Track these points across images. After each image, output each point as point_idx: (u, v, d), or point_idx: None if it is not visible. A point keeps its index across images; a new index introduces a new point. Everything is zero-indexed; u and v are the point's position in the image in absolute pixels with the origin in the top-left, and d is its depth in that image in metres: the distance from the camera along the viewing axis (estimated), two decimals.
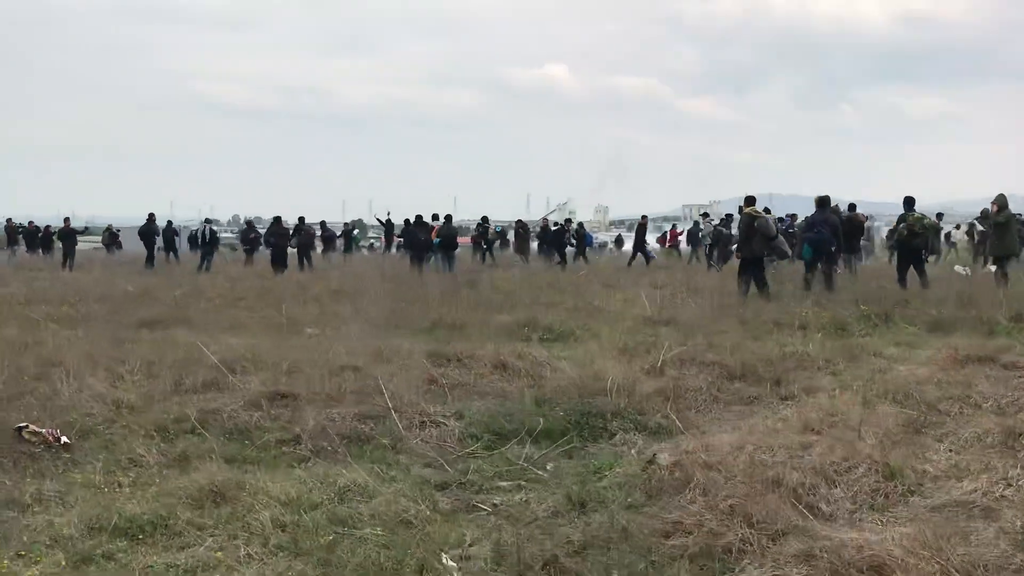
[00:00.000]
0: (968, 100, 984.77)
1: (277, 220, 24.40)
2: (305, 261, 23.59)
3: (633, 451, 5.58)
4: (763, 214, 13.99)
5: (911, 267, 14.59)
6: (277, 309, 13.52)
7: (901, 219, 15.22)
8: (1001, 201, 14.88)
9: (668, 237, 33.79)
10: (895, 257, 16.17)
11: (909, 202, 15.35)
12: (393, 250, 32.06)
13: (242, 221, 61.46)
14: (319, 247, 30.17)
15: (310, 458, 5.53)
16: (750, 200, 14.36)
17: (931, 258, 17.17)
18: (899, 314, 10.69)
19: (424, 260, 23.12)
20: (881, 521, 4.19)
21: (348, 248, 32.30)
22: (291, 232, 24.27)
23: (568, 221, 32.72)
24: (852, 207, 18.73)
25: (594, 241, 38.74)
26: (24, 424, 5.72)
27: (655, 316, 11.45)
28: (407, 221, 25.74)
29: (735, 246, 24.44)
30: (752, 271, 13.91)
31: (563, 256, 25.73)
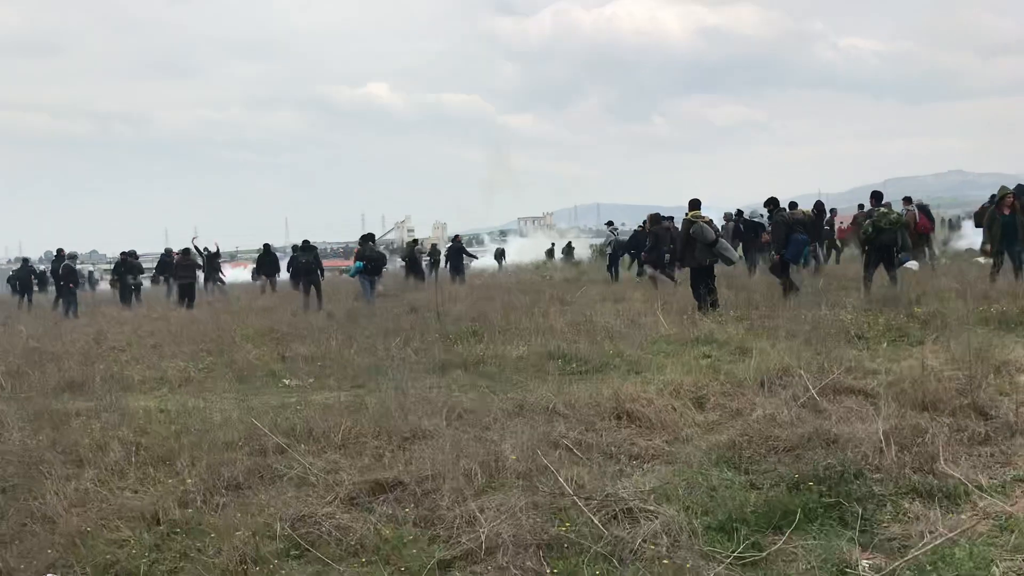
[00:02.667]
0: (767, 107, 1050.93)
1: (186, 252, 22.29)
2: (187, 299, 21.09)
3: (931, 534, 4.10)
4: (699, 220, 12.76)
5: (880, 266, 13.85)
6: (216, 354, 11.32)
7: (867, 215, 14.59)
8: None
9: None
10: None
11: (877, 196, 14.75)
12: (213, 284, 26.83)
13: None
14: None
15: None
16: (693, 203, 13.08)
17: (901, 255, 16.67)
18: (952, 314, 9.74)
19: (313, 285, 21.04)
20: None
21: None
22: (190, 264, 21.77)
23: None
24: (793, 204, 18.05)
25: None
26: None
27: (683, 334, 10.09)
28: (295, 247, 23.54)
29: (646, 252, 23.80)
30: (703, 280, 12.72)
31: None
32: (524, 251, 46.09)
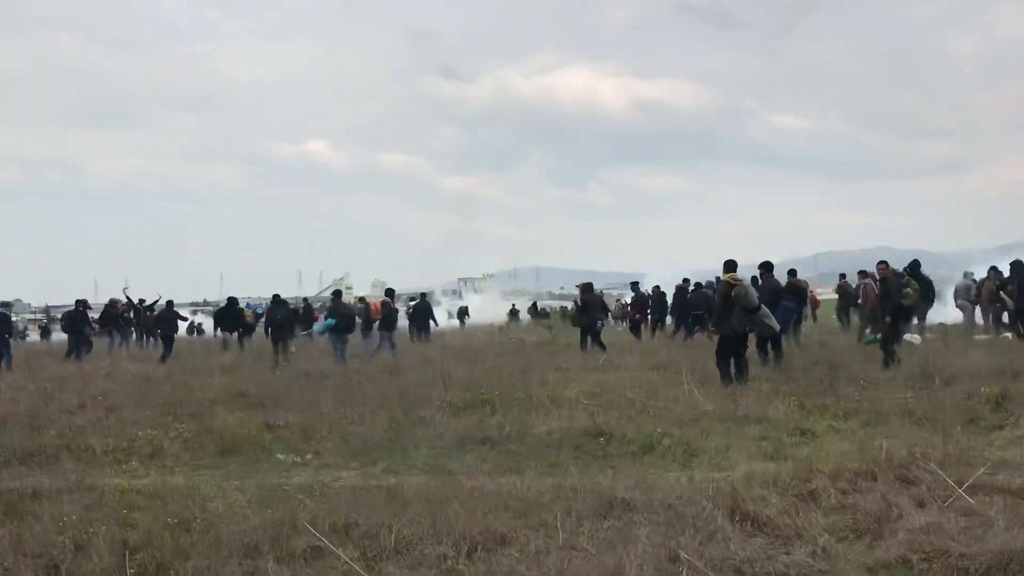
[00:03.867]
0: (700, 179, 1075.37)
1: (169, 304, 21.37)
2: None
3: None
4: (740, 282, 11.75)
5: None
6: (185, 419, 9.93)
7: (904, 284, 13.99)
8: None
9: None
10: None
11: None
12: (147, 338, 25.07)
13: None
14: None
15: None
16: (729, 265, 12.04)
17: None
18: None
19: (285, 341, 19.70)
20: None
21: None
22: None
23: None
24: (792, 272, 17.36)
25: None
26: None
27: (724, 410, 9.07)
28: (272, 299, 22.12)
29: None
30: (734, 349, 11.63)
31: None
32: (484, 310, 44.84)
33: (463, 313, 39.14)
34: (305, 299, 36.93)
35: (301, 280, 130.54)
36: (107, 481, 7.04)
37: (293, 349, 19.10)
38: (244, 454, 8.23)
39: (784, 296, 13.22)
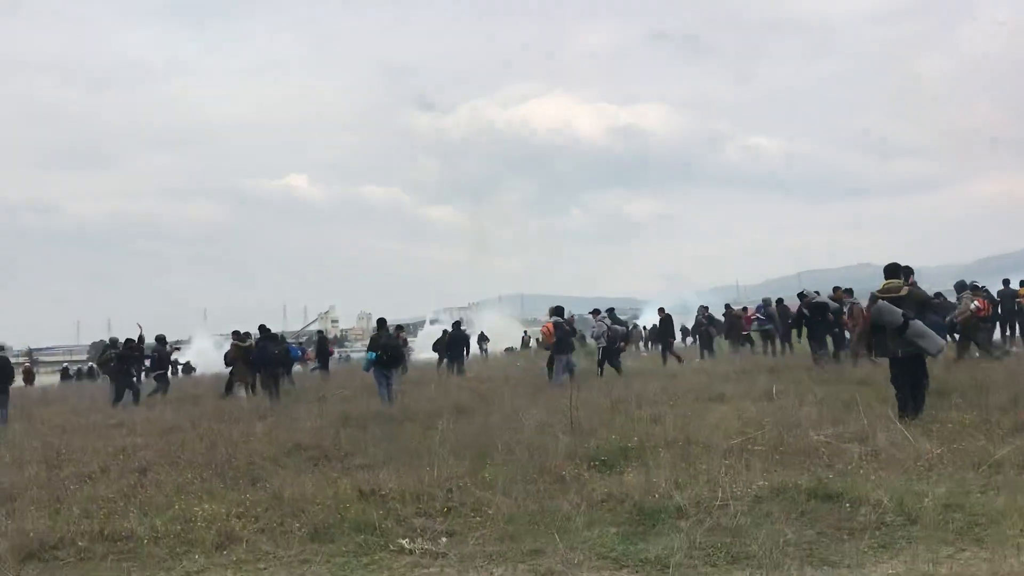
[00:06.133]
0: (679, 201, 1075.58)
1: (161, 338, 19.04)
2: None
3: None
4: (884, 296, 9.58)
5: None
6: (240, 485, 7.76)
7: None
8: None
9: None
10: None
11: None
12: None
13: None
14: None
15: None
16: (891, 270, 9.85)
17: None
18: None
19: (279, 378, 17.70)
20: None
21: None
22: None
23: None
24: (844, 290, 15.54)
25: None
26: None
27: (955, 457, 7.00)
28: (262, 332, 19.91)
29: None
30: (904, 376, 9.48)
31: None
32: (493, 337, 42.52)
33: (483, 339, 36.77)
34: (320, 332, 34.76)
35: (286, 314, 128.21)
36: None
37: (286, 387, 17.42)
38: (347, 538, 6.05)
39: (930, 310, 11.10)
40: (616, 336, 22.65)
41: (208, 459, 9.30)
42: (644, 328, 37.18)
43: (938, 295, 17.47)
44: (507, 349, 38.68)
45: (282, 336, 21.84)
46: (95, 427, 13.66)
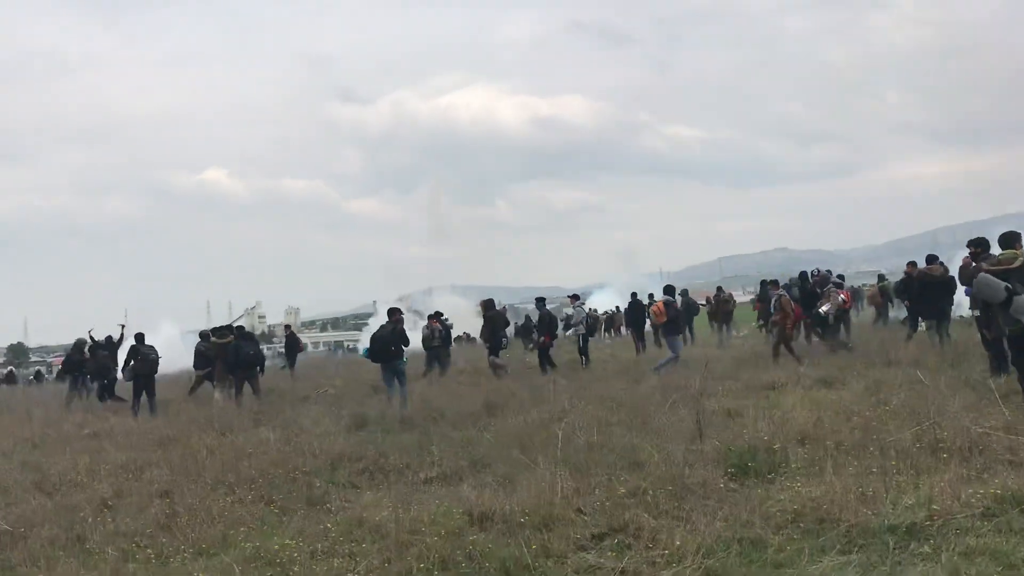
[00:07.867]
0: (602, 191, 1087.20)
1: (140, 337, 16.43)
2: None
3: None
4: (989, 269, 8.42)
5: None
6: (289, 508, 6.34)
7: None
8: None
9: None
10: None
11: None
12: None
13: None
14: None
15: None
16: (1008, 238, 8.63)
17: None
18: None
19: (257, 379, 16.06)
20: None
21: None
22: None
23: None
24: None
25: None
26: None
27: None
28: (238, 331, 18.19)
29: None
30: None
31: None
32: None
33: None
34: (287, 327, 32.90)
35: (210, 310, 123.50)
36: None
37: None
38: None
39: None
40: (595, 323, 21.32)
41: (238, 477, 7.82)
42: (607, 313, 36.22)
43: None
44: (456, 339, 37.28)
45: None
46: (71, 439, 11.94)
